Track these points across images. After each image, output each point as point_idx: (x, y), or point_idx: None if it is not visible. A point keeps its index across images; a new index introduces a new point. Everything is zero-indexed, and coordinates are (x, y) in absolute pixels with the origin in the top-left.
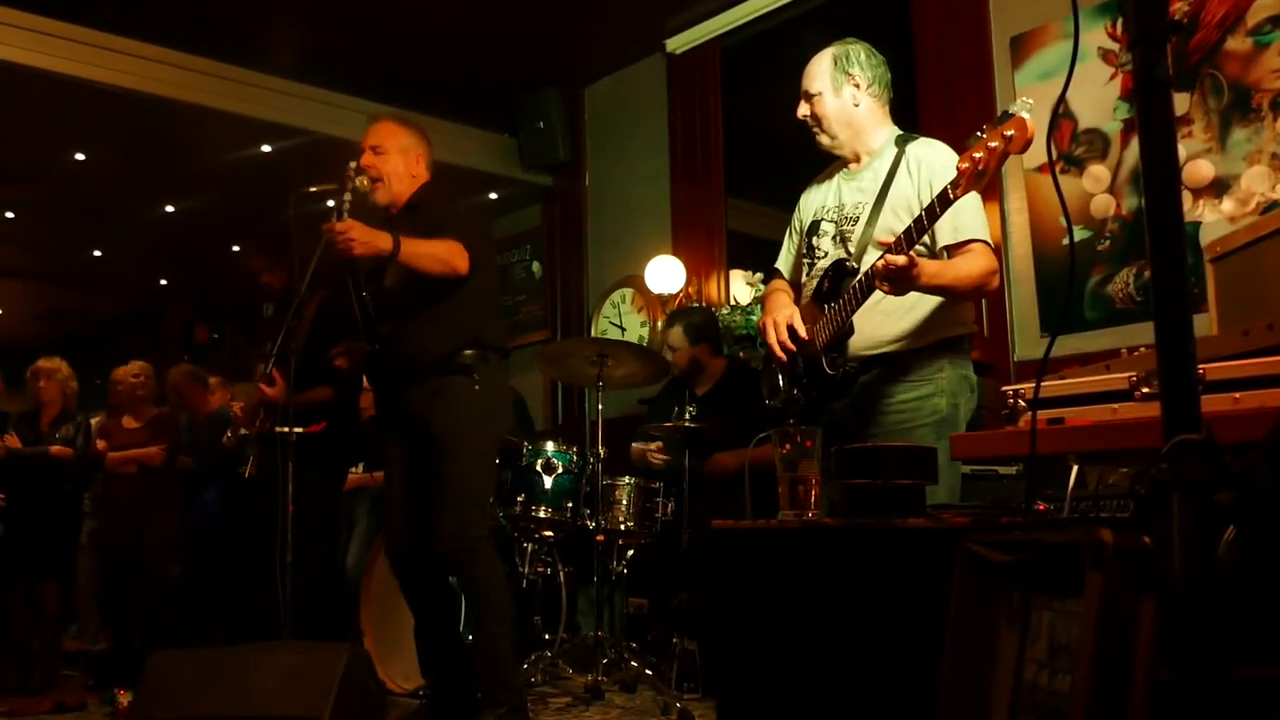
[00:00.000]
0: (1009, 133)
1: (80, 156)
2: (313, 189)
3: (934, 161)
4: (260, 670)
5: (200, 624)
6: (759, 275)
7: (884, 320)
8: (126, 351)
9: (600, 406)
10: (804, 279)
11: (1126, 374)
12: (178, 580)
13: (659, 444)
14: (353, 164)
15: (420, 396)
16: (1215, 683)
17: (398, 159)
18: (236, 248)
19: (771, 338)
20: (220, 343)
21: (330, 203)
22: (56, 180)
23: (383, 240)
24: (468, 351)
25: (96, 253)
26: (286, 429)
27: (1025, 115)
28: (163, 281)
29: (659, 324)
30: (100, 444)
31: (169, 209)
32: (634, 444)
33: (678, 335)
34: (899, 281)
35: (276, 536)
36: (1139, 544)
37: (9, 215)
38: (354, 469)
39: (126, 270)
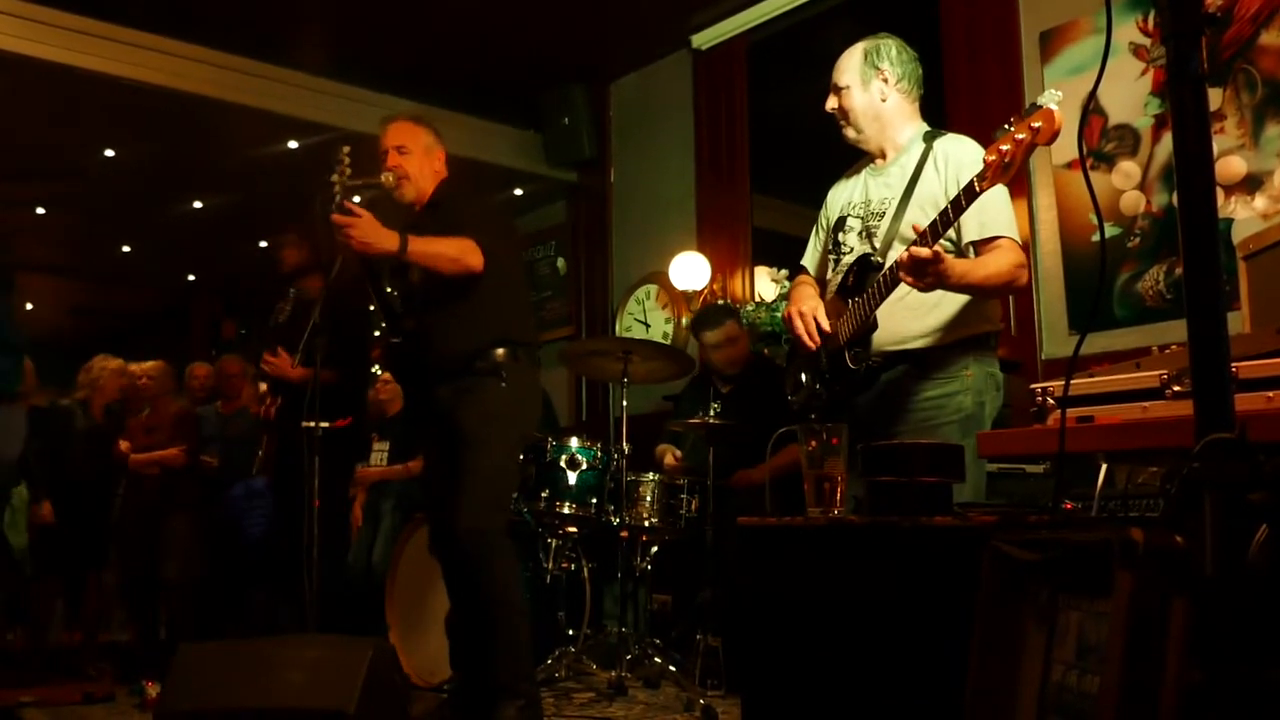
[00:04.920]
0: (1036, 124)
1: (110, 153)
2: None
3: (961, 157)
4: (287, 663)
5: (225, 617)
6: (784, 272)
7: (909, 316)
8: (155, 347)
9: (625, 403)
10: (829, 275)
11: (1157, 372)
12: (201, 575)
13: (675, 452)
14: (345, 148)
15: (449, 393)
16: (1247, 684)
17: (422, 157)
18: (264, 243)
19: (799, 328)
20: (247, 338)
21: (356, 198)
22: (86, 177)
23: (387, 240)
24: (498, 350)
25: (126, 248)
26: (312, 424)
27: (1053, 106)
28: (190, 277)
29: (683, 321)
30: (123, 444)
31: (197, 205)
32: (659, 445)
33: (734, 327)
34: (923, 274)
35: (302, 531)
36: (1170, 543)
37: (40, 211)
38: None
39: (155, 266)
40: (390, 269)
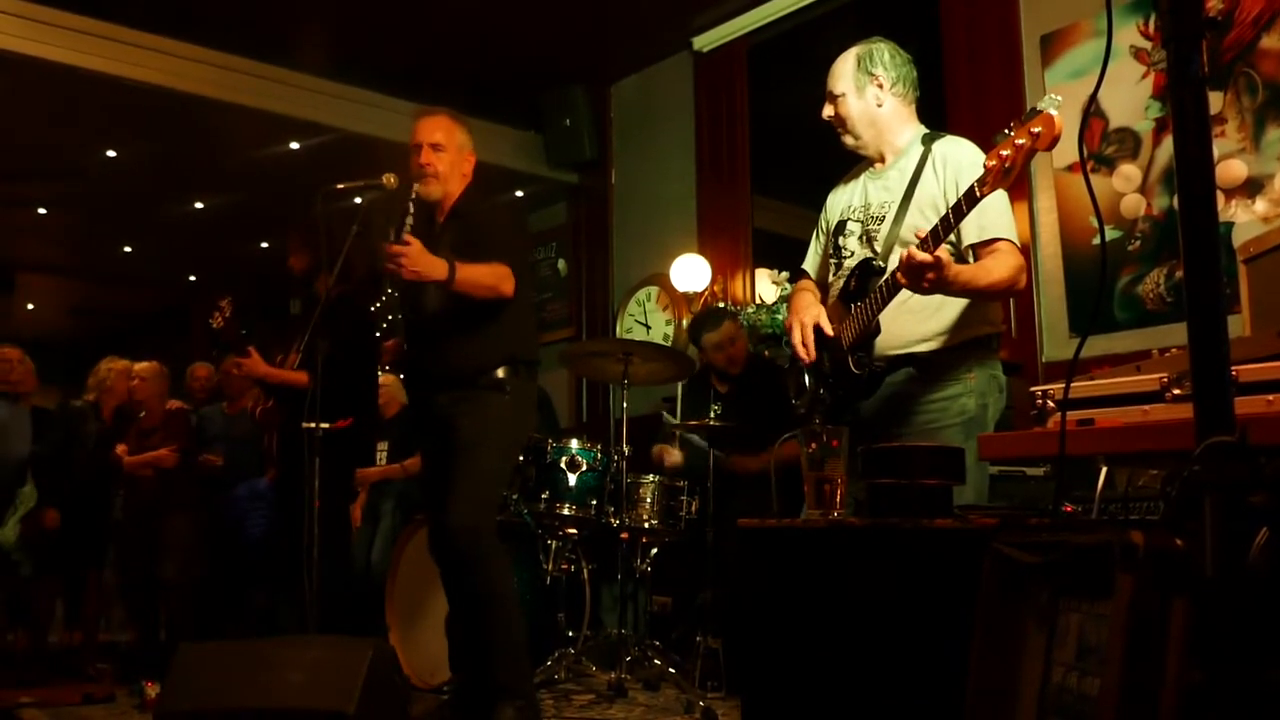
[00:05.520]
0: (1036, 129)
1: (112, 153)
2: (340, 186)
3: (960, 159)
4: (287, 663)
5: (225, 617)
6: (784, 274)
7: (911, 320)
8: (155, 347)
9: (625, 404)
10: (831, 279)
11: (1158, 375)
12: (200, 575)
13: (671, 448)
14: (391, 176)
15: (449, 401)
16: (1247, 685)
17: (455, 155)
18: (265, 244)
19: (796, 339)
20: (248, 339)
21: (358, 199)
22: (87, 177)
23: (437, 269)
24: (501, 370)
25: (127, 248)
26: (313, 425)
27: (1053, 112)
28: (192, 277)
29: (684, 322)
30: (121, 448)
31: (199, 205)
32: (656, 445)
33: (732, 327)
34: (919, 279)
35: (302, 531)
36: (1171, 545)
37: (41, 211)
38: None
39: (155, 266)
40: (406, 285)
